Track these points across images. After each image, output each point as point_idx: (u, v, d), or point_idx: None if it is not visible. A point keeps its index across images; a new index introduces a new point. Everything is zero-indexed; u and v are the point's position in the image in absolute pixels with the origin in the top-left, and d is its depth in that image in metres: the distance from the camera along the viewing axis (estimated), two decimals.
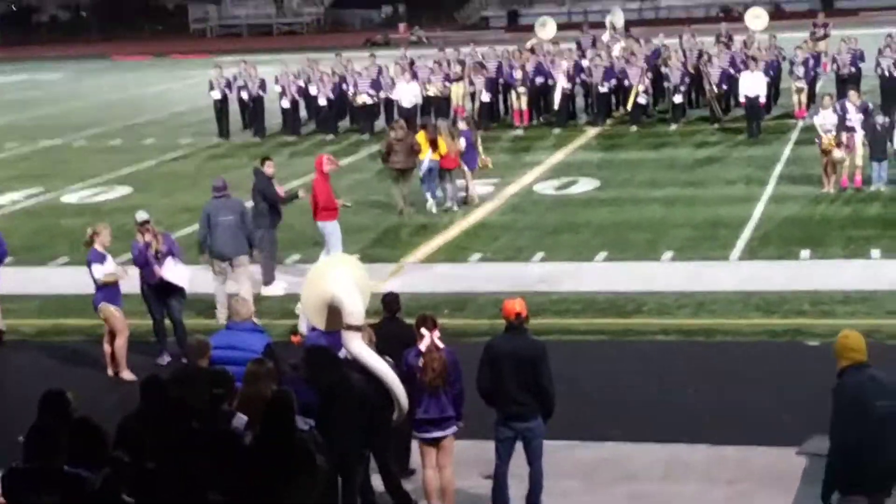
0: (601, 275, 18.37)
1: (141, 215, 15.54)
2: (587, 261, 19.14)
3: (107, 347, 15.00)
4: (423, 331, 10.64)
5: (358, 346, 10.37)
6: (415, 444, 11.06)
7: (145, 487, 8.08)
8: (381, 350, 10.72)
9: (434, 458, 10.79)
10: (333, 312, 10.58)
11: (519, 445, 10.63)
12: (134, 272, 15.41)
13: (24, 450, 8.02)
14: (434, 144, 22.75)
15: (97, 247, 14.96)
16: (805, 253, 18.76)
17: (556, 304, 16.92)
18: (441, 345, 10.62)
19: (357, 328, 10.44)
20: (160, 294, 15.29)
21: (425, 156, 22.79)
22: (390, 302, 11.96)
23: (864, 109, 23.02)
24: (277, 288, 18.13)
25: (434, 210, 22.84)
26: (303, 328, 13.08)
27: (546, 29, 37.85)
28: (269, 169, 18.45)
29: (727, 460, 11.68)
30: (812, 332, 15.15)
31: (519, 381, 10.37)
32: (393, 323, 11.80)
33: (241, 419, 9.15)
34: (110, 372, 14.93)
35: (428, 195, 23.05)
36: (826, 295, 16.61)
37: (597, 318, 16.28)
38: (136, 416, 9.14)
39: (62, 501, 7.74)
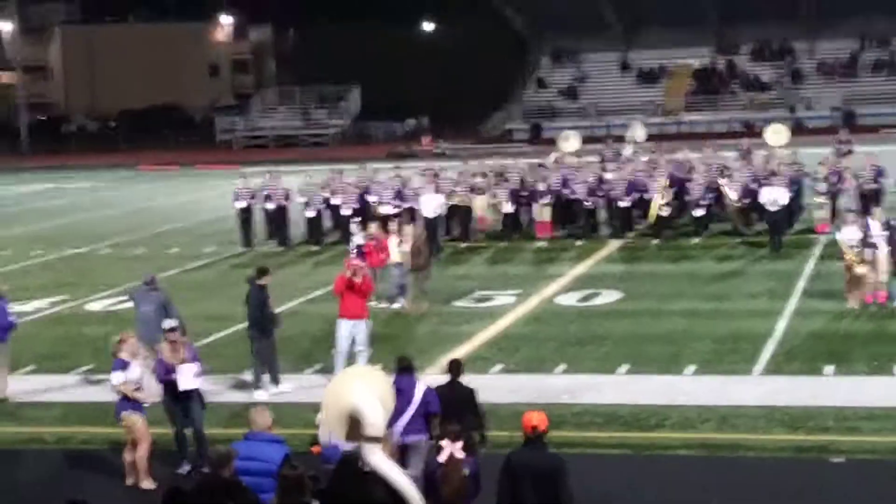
0: (623, 387, 18.28)
1: (168, 323, 15.73)
2: (609, 373, 19.06)
3: (128, 456, 14.96)
4: (444, 443, 10.60)
5: (378, 458, 10.31)
6: None
7: None
8: (445, 411, 12.67)
9: None
10: (354, 423, 10.55)
11: None
12: (150, 389, 15.41)
13: None
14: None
15: (122, 355, 15.05)
16: (829, 369, 18.64)
17: (577, 416, 16.82)
18: (461, 456, 10.55)
19: (377, 440, 10.39)
20: (182, 404, 15.29)
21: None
22: (453, 366, 13.59)
23: (887, 226, 23.01)
24: (262, 395, 18.22)
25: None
26: (323, 438, 13.03)
27: (570, 142, 38.26)
28: (263, 281, 18.72)
29: None
30: (837, 448, 14.99)
31: (538, 494, 10.29)
32: (454, 386, 13.42)
33: None
34: (130, 481, 14.86)
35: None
36: (851, 411, 16.46)
37: (619, 432, 16.16)
38: None
39: None
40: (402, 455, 12.97)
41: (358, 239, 24.75)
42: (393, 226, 25.31)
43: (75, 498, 8.69)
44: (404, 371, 13.43)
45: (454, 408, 12.96)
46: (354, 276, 18.72)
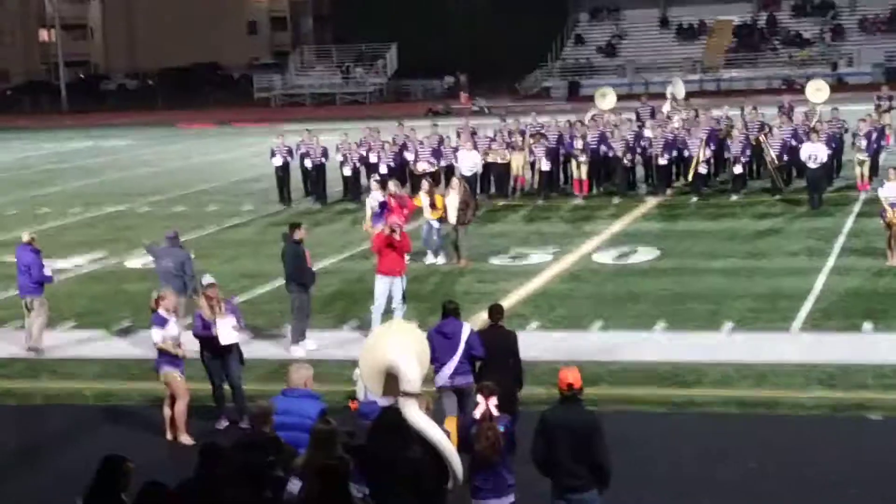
0: (661, 345, 18.24)
1: (207, 279, 15.82)
2: (647, 330, 19.03)
3: (167, 411, 15.09)
4: (479, 398, 10.62)
5: (415, 414, 10.34)
6: None
7: None
8: (487, 354, 13.26)
9: None
10: (390, 379, 10.58)
11: None
12: (190, 346, 15.52)
13: None
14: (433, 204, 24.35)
15: (161, 311, 15.15)
16: (868, 326, 18.54)
17: (614, 374, 16.81)
18: (496, 413, 10.57)
19: (414, 395, 10.42)
20: (220, 360, 15.38)
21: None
22: (495, 311, 13.80)
23: None
24: (299, 350, 18.34)
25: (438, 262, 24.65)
26: (360, 394, 13.08)
27: (606, 100, 38.03)
28: (297, 234, 18.75)
29: None
30: (875, 406, 14.93)
31: (573, 453, 10.26)
32: (496, 330, 13.66)
33: (294, 484, 9.15)
34: (169, 436, 15.00)
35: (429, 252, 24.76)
36: (890, 368, 16.37)
37: (656, 389, 16.15)
38: (193, 480, 9.18)
39: None
40: (458, 399, 13.55)
41: (377, 196, 24.78)
42: (425, 185, 25.35)
43: (114, 454, 8.75)
44: (450, 314, 13.81)
45: (497, 351, 13.46)
46: (393, 233, 18.74)
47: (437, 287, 22.57)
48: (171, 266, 19.20)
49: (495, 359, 13.45)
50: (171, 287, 17.72)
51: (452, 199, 24.46)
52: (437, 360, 13.27)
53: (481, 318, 19.77)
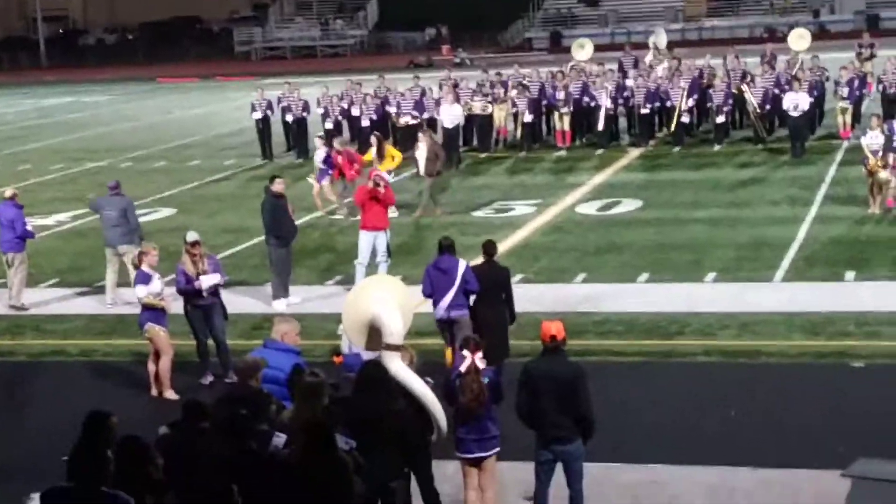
0: (644, 296, 18.28)
1: (191, 235, 15.61)
2: (630, 282, 19.06)
3: (151, 367, 15.09)
4: (465, 353, 10.64)
5: (397, 366, 10.37)
6: (457, 465, 11.02)
7: None
8: (481, 288, 13.92)
9: (476, 479, 10.75)
10: (374, 332, 10.60)
11: (559, 468, 10.58)
12: (175, 301, 15.51)
13: (67, 470, 8.08)
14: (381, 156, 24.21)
15: (144, 267, 15.13)
16: (850, 274, 18.60)
17: (598, 325, 16.86)
18: (482, 366, 10.60)
19: (397, 348, 10.45)
20: (204, 315, 15.37)
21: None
22: (488, 246, 14.49)
23: None
24: (280, 304, 18.34)
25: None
26: (345, 348, 13.10)
27: (584, 50, 37.88)
28: (276, 187, 18.67)
29: (771, 483, 11.57)
30: (857, 353, 15.01)
31: (557, 403, 10.30)
32: (490, 265, 14.40)
33: (279, 438, 9.17)
34: (154, 392, 15.02)
35: None
36: (872, 316, 16.45)
37: (639, 340, 16.20)
38: (173, 434, 9.20)
39: None
40: (450, 329, 14.16)
41: (320, 153, 24.91)
42: (373, 139, 25.41)
43: (97, 409, 8.74)
44: (446, 251, 14.40)
45: (490, 286, 14.25)
46: (377, 187, 18.69)
47: (420, 241, 22.55)
48: (113, 215, 19.35)
49: (489, 293, 14.23)
50: (114, 237, 18.91)
51: (421, 151, 24.64)
52: (435, 294, 14.15)
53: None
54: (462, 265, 14.29)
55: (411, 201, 25.09)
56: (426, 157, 24.52)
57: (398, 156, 24.88)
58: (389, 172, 22.83)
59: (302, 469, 8.56)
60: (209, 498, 8.45)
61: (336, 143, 25.18)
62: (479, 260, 14.84)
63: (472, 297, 14.27)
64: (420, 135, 25.70)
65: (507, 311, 14.37)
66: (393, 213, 20.58)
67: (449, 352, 14.01)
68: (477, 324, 13.99)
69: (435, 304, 14.31)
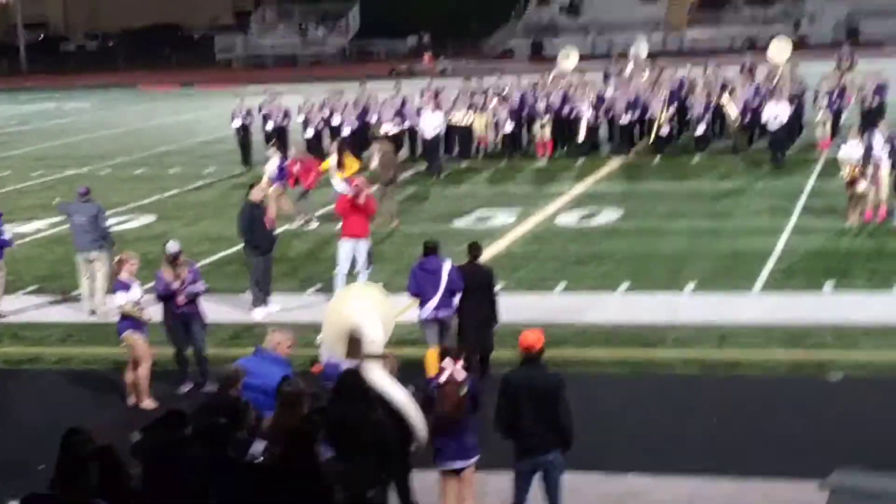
0: (624, 306, 18.31)
1: (172, 247, 15.44)
2: (610, 291, 19.09)
3: (129, 376, 15.02)
4: (445, 363, 10.62)
5: (378, 376, 10.35)
6: (435, 476, 11.00)
7: None
8: (466, 290, 14.28)
9: (455, 489, 10.73)
10: (353, 341, 10.58)
11: (538, 478, 10.57)
12: (154, 310, 15.46)
13: (49, 481, 8.05)
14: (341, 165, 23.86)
15: (123, 275, 15.06)
16: (829, 286, 18.66)
17: (578, 335, 16.87)
18: (461, 377, 10.57)
19: (377, 357, 10.43)
20: (183, 324, 15.33)
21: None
22: (473, 248, 15.01)
23: (890, 142, 22.88)
24: (260, 313, 18.33)
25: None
26: (324, 358, 13.09)
27: (569, 60, 37.91)
28: (254, 195, 18.65)
29: (750, 494, 11.60)
30: (835, 365, 15.05)
31: (536, 414, 10.30)
32: (475, 266, 14.87)
33: (257, 445, 9.15)
34: (131, 401, 14.95)
35: None
36: (850, 328, 16.51)
37: (619, 350, 16.22)
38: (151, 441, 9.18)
39: None
40: (440, 329, 14.53)
41: (274, 162, 24.90)
42: (333, 146, 25.46)
43: (76, 426, 8.70)
44: (431, 252, 14.73)
45: (475, 286, 14.70)
46: (357, 196, 18.67)
47: (399, 249, 22.53)
48: (83, 221, 19.30)
49: (474, 293, 14.69)
50: (85, 243, 18.96)
51: (375, 160, 24.65)
52: (422, 295, 14.47)
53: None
54: (447, 265, 14.67)
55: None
56: (380, 164, 24.56)
57: (356, 164, 24.58)
58: (346, 180, 22.58)
59: (280, 476, 8.55)
60: None
61: (293, 152, 25.44)
62: (465, 261, 15.13)
63: (457, 297, 14.58)
64: (374, 144, 25.80)
65: (491, 311, 14.81)
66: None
67: (430, 353, 14.07)
68: (462, 322, 14.21)
69: (422, 304, 14.61)
